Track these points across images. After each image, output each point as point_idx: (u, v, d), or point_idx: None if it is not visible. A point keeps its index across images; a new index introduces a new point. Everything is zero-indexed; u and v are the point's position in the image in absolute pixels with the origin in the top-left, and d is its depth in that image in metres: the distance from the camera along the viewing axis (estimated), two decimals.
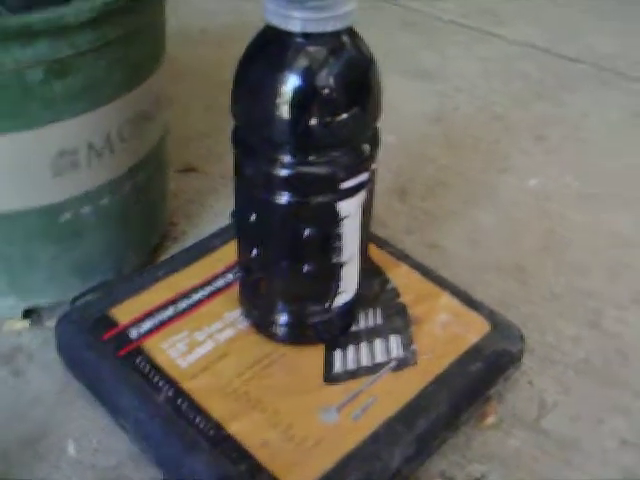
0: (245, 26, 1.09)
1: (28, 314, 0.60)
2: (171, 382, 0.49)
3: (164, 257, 0.66)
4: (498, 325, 0.54)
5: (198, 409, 0.47)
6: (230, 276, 0.57)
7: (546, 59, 1.06)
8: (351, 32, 0.42)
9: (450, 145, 0.85)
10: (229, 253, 0.59)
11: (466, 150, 0.84)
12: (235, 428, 0.46)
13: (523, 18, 1.19)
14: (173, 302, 0.55)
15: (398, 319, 0.54)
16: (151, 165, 0.61)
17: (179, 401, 0.48)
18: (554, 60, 1.06)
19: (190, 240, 0.68)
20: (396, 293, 0.56)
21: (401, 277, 0.58)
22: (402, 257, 0.60)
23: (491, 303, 0.57)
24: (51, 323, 0.59)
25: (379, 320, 0.54)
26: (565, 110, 0.93)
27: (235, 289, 0.56)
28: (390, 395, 0.48)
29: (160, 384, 0.49)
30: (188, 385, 0.49)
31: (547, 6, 1.25)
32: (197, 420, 0.46)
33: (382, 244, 0.61)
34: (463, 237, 0.70)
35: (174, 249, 0.68)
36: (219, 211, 0.73)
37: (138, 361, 0.50)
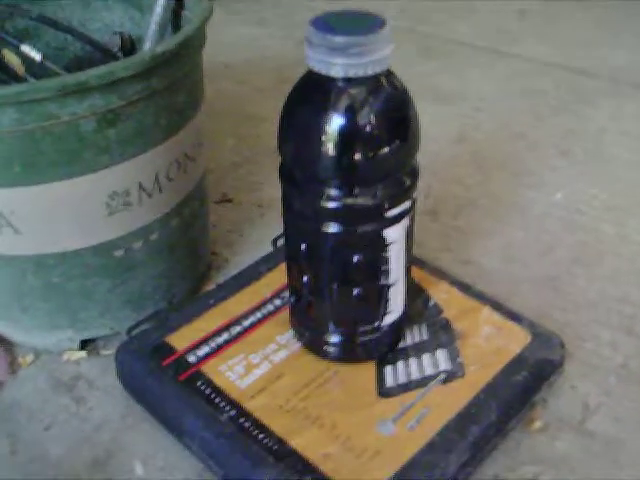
0: (265, 60, 1.14)
1: (84, 344, 0.63)
2: (233, 402, 0.52)
3: (210, 285, 0.69)
4: (539, 335, 0.56)
5: (261, 426, 0.50)
6: (278, 301, 0.60)
7: (561, 75, 1.09)
8: (388, 72, 0.45)
9: (476, 164, 0.87)
10: (275, 279, 0.62)
11: (492, 168, 0.87)
12: (297, 443, 0.49)
13: (535, 36, 1.22)
14: (226, 327, 0.58)
15: (443, 334, 0.57)
16: (195, 200, 0.64)
17: (242, 420, 0.50)
18: (569, 75, 1.09)
19: (232, 268, 0.70)
20: (439, 309, 0.59)
21: (442, 294, 0.60)
22: (440, 274, 0.63)
23: (529, 313, 0.59)
24: (107, 352, 0.62)
25: (425, 336, 0.57)
26: (585, 124, 0.95)
27: (284, 313, 0.59)
28: (442, 406, 0.51)
29: (222, 405, 0.51)
30: (249, 405, 0.51)
31: (556, 23, 1.28)
32: (261, 437, 0.49)
33: (420, 263, 0.63)
34: (496, 252, 0.73)
35: (218, 277, 0.70)
36: (257, 239, 0.75)
37: (199, 384, 0.53)
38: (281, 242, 0.65)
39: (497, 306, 0.59)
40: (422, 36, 1.23)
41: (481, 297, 0.60)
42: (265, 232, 0.74)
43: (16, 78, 0.62)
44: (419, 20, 1.28)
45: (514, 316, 0.58)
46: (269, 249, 0.67)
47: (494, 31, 1.24)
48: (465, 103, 1.01)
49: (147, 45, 0.65)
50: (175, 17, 0.65)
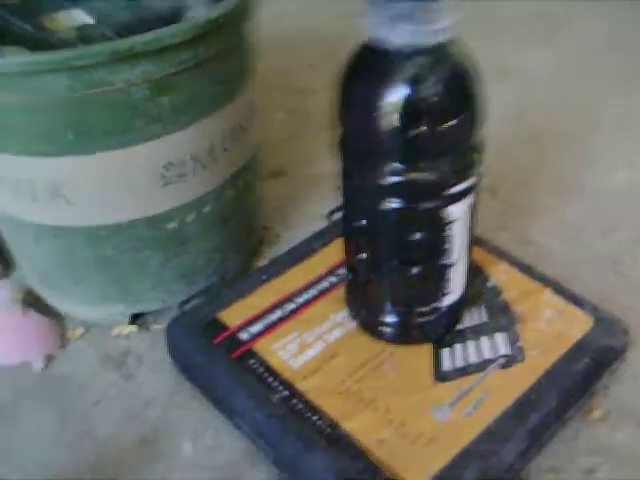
0: (307, 34, 1.12)
1: (134, 319, 0.62)
2: (285, 383, 0.50)
3: (262, 260, 0.68)
4: (601, 320, 0.54)
5: (313, 408, 0.49)
6: (333, 278, 0.59)
7: (619, 51, 1.05)
8: (453, 41, 0.43)
9: (535, 142, 0.85)
10: (330, 255, 0.60)
11: (551, 146, 0.84)
12: (350, 427, 0.47)
13: (591, 13, 1.18)
14: (279, 305, 0.57)
15: (502, 317, 0.55)
16: (249, 172, 0.63)
17: (294, 401, 0.49)
18: (629, 51, 1.05)
19: (284, 243, 0.69)
20: (498, 291, 0.57)
21: (501, 274, 0.59)
22: (500, 254, 0.61)
23: (590, 297, 0.57)
24: (156, 327, 0.62)
25: (484, 318, 0.55)
26: None
27: (338, 291, 0.57)
28: (500, 391, 0.49)
29: (274, 385, 0.50)
30: (302, 385, 0.50)
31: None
32: (313, 419, 0.48)
33: (478, 242, 0.61)
34: (556, 232, 0.71)
35: (270, 252, 0.69)
36: (310, 214, 0.74)
37: (251, 363, 0.52)
38: (335, 216, 0.64)
39: (559, 289, 0.57)
40: (475, 9, 1.20)
41: (542, 279, 0.58)
42: (316, 207, 0.73)
43: (66, 44, 0.61)
44: None
45: (576, 300, 0.56)
46: (320, 224, 0.66)
47: (548, 6, 1.20)
48: (522, 79, 0.98)
49: (193, 13, 0.63)
50: None
